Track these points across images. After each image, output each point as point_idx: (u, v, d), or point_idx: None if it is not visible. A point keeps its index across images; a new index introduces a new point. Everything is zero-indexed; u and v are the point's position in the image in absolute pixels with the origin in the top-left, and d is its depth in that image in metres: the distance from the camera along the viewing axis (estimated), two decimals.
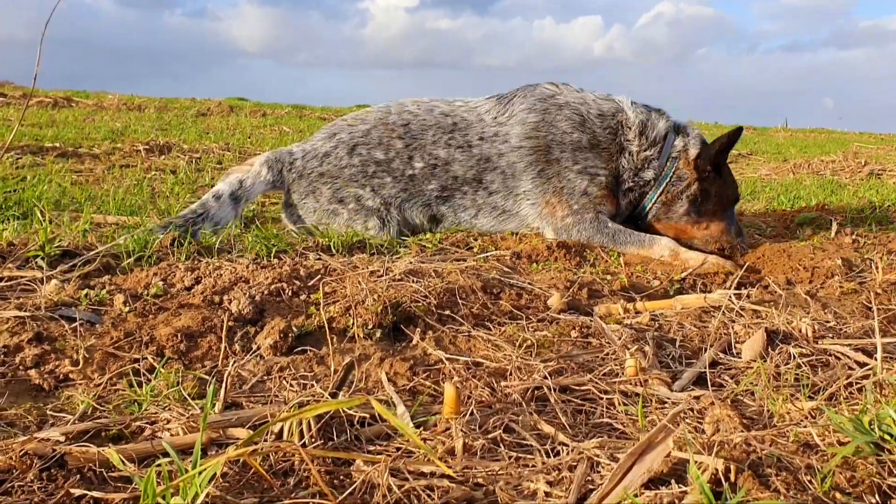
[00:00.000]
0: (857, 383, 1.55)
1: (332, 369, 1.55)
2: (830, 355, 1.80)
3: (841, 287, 2.45)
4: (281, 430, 1.27)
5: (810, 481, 1.11)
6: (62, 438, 1.23)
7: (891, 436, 1.18)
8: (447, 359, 1.68)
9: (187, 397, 1.43)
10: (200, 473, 0.98)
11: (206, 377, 1.54)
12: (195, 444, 1.06)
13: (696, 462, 1.10)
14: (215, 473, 1.06)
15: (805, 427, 1.29)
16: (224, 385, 1.38)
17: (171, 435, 1.27)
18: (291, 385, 1.51)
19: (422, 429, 1.37)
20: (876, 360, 1.71)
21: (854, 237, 3.29)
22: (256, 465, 1.09)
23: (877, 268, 2.55)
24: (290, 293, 2.02)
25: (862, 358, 1.77)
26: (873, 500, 1.09)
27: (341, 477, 1.20)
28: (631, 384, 1.62)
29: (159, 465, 1.05)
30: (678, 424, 1.30)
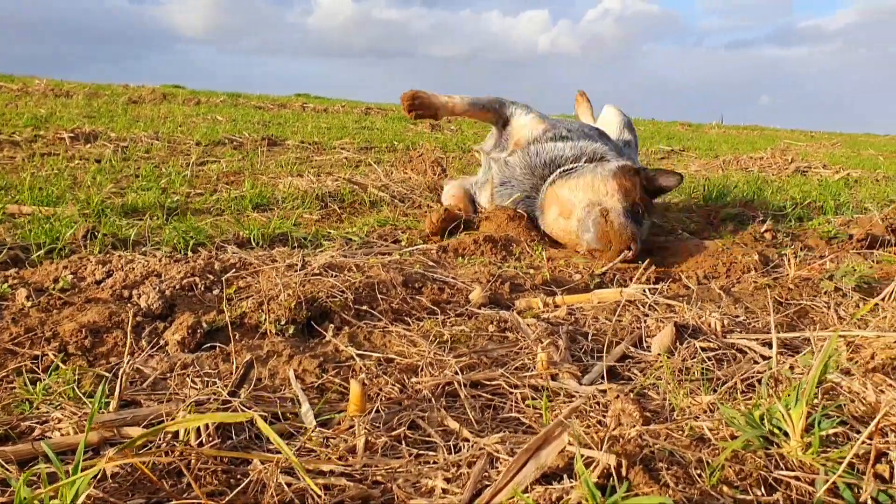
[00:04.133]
0: (756, 377, 1.58)
1: (235, 367, 1.52)
2: (737, 349, 1.85)
3: (755, 282, 2.51)
4: (177, 430, 1.24)
5: (700, 475, 1.13)
6: None
7: (780, 429, 1.21)
8: (358, 355, 1.67)
9: (81, 395, 1.38)
10: (80, 477, 0.95)
11: (107, 374, 1.49)
12: (79, 446, 1.03)
13: (588, 457, 1.11)
14: (100, 475, 1.03)
15: (702, 421, 1.32)
16: (119, 382, 1.34)
17: (62, 435, 1.23)
18: (194, 382, 1.48)
19: (319, 429, 1.35)
20: (779, 354, 1.76)
21: (773, 233, 3.38)
22: (142, 466, 1.06)
23: (789, 263, 2.62)
24: (202, 288, 1.98)
25: (767, 352, 1.82)
26: (759, 493, 1.12)
27: (238, 476, 1.18)
28: (541, 378, 1.63)
29: (39, 468, 1.02)
30: (576, 419, 1.32)
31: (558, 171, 3.13)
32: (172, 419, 1.26)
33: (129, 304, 1.86)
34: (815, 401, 1.32)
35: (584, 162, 3.14)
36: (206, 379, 1.51)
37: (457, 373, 1.61)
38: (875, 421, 1.07)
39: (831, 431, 1.22)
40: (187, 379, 1.50)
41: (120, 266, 2.08)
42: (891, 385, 1.41)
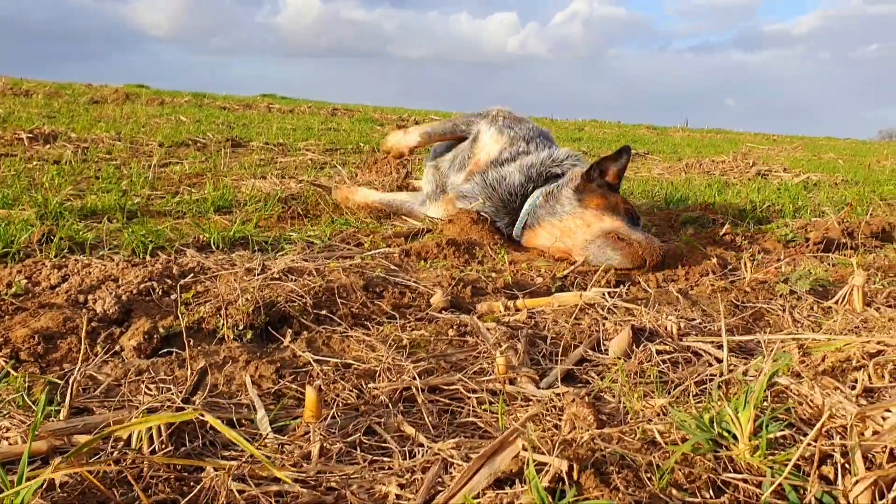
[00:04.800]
0: (709, 380, 1.61)
1: (190, 373, 1.51)
2: (692, 352, 1.87)
3: (712, 285, 2.55)
4: (129, 438, 1.23)
5: (650, 478, 1.15)
6: None
7: (729, 432, 1.23)
8: (316, 360, 1.66)
9: (31, 403, 1.36)
10: (24, 487, 0.94)
11: (59, 381, 1.47)
12: (28, 455, 1.02)
13: (540, 462, 1.12)
14: (47, 484, 1.02)
15: (654, 424, 1.34)
16: (70, 389, 1.33)
17: (9, 444, 1.21)
18: (148, 389, 1.47)
19: (275, 435, 1.34)
20: (733, 357, 1.79)
21: (732, 236, 3.43)
22: (90, 476, 1.05)
23: (746, 266, 2.66)
24: (160, 292, 1.96)
25: (721, 355, 1.84)
26: (708, 495, 1.14)
27: (191, 483, 1.17)
28: (500, 383, 1.63)
29: None
30: (532, 424, 1.33)
31: (526, 213, 3.13)
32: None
33: (84, 310, 1.83)
34: (765, 404, 1.34)
35: (539, 183, 3.19)
36: (161, 385, 1.49)
37: (415, 378, 1.61)
38: (819, 424, 1.09)
39: (779, 434, 1.25)
40: (142, 385, 1.49)
41: (76, 270, 2.06)
42: (838, 388, 1.44)
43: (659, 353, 1.81)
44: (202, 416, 1.10)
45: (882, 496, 1.11)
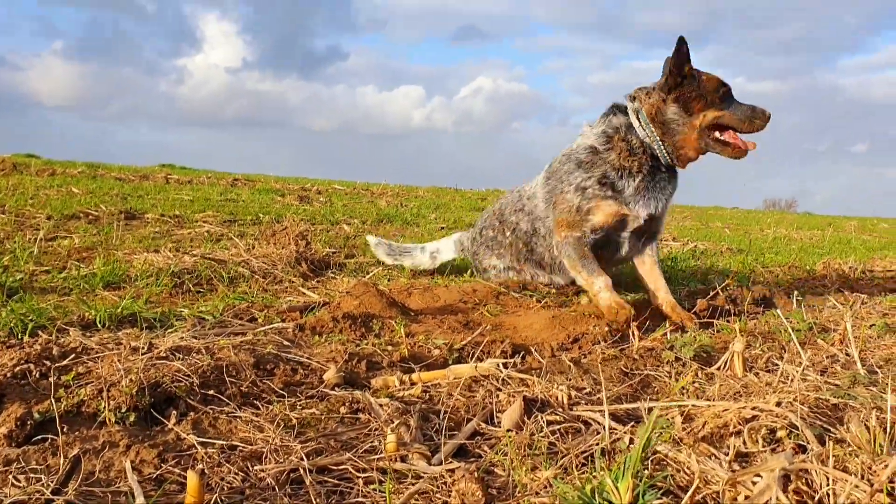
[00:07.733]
0: (596, 450, 1.64)
1: (63, 460, 1.44)
2: (583, 421, 1.91)
3: (603, 353, 2.62)
4: None
5: None
6: None
7: (609, 502, 1.26)
8: (201, 443, 1.61)
9: None
10: None
11: None
12: None
13: None
14: None
15: (540, 497, 1.35)
16: None
17: None
18: (17, 480, 1.39)
19: None
20: (620, 425, 1.84)
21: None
22: None
23: (634, 334, 2.75)
24: (38, 375, 1.88)
25: (611, 423, 1.89)
26: None
27: None
28: (389, 461, 1.62)
29: None
30: (421, 502, 1.32)
31: None
32: None
33: None
34: (645, 472, 1.38)
35: None
36: (31, 476, 1.42)
37: (303, 458, 1.58)
38: (690, 491, 1.13)
39: (657, 502, 1.28)
40: (9, 476, 1.41)
41: None
42: (713, 454, 1.49)
43: (549, 423, 1.84)
44: None
45: None
